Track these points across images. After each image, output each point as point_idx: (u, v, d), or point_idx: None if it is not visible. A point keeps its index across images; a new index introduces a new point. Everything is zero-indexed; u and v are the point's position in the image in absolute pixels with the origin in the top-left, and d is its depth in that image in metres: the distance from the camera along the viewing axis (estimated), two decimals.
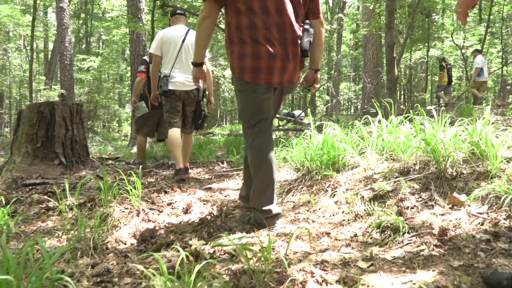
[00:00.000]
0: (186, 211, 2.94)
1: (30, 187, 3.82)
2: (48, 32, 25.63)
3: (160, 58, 4.01)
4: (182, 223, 2.69)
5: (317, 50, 2.49)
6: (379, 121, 3.31)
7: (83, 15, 22.20)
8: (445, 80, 12.85)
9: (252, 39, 2.26)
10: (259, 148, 2.34)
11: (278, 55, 2.26)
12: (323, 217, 2.46)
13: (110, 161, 5.20)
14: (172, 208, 3.07)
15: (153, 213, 2.92)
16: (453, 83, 14.48)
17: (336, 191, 2.72)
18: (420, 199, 2.30)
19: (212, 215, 2.76)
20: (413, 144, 2.80)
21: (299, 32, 2.34)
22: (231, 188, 3.71)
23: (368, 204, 2.31)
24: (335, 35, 24.58)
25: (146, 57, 5.00)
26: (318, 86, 2.67)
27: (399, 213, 2.17)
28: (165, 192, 3.43)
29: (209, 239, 2.29)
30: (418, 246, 1.83)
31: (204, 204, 3.11)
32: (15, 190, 3.78)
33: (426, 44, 17.46)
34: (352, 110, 29.56)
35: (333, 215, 2.43)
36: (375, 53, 12.28)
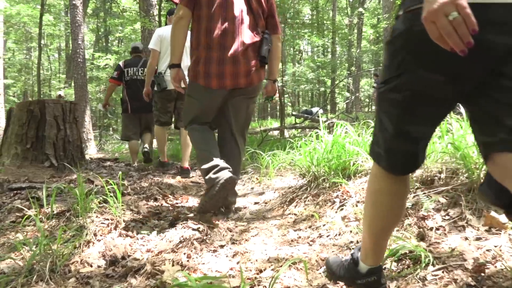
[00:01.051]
0: (172, 223, 2.54)
1: (16, 191, 3.50)
2: (69, 30, 25.72)
3: (158, 54, 4.06)
4: (163, 239, 2.30)
5: (274, 62, 2.71)
6: None
7: (102, 14, 22.14)
8: None
9: (207, 44, 2.44)
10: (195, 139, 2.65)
11: (228, 60, 2.44)
12: (327, 236, 2.02)
13: (108, 163, 4.87)
14: (158, 219, 2.68)
15: (134, 225, 2.54)
16: None
17: (345, 204, 2.28)
18: (447, 217, 1.83)
19: (199, 230, 2.36)
20: (437, 148, 2.32)
21: (255, 39, 2.51)
22: None
23: None
24: (355, 30, 23.89)
25: (120, 62, 5.07)
26: (277, 96, 3.01)
27: (421, 237, 1.71)
28: (155, 200, 3.05)
29: (188, 263, 1.89)
30: (445, 286, 1.38)
31: (194, 215, 2.71)
32: (0, 195, 3.47)
33: None
34: (373, 108, 28.80)
35: (339, 234, 1.99)
36: None
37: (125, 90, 4.91)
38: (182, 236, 2.24)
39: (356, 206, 2.20)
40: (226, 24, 2.43)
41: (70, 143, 4.24)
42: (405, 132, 1.12)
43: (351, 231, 1.96)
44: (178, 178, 4.09)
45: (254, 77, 2.54)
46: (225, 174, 2.40)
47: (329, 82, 23.67)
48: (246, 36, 2.47)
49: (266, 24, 2.62)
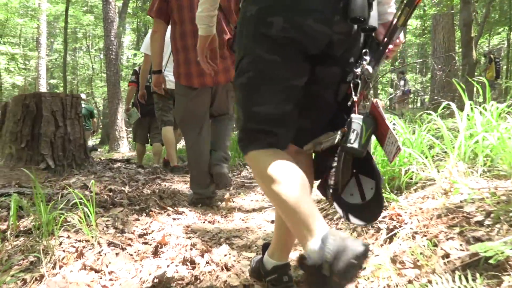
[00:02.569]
0: (155, 251, 1.88)
1: (1, 197, 2.99)
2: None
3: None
4: (135, 277, 1.64)
5: None
6: (469, 112, 2.04)
7: (140, 13, 22.08)
8: (492, 74, 11.01)
9: (183, 47, 2.55)
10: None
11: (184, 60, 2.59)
12: None
13: (118, 164, 4.31)
14: (144, 243, 2.02)
15: (109, 252, 1.89)
16: (500, 78, 12.44)
17: (395, 233, 1.53)
18: None
19: (187, 263, 1.68)
20: None
21: (228, 36, 2.50)
22: (245, 208, 2.62)
23: (460, 279, 1.10)
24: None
25: (137, 67, 5.19)
26: None
27: None
28: (147, 214, 2.40)
29: None
30: None
31: (189, 238, 2.03)
32: None
33: (507, 27, 15.12)
34: (419, 104, 27.22)
35: None
36: (446, 36, 10.47)
37: (137, 95, 4.73)
38: (160, 275, 1.57)
39: (413, 238, 1.44)
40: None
41: (71, 142, 3.69)
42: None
43: (406, 285, 1.21)
44: None
45: (231, 73, 2.58)
46: None
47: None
48: (219, 35, 2.39)
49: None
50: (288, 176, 1.04)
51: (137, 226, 2.14)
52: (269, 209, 2.44)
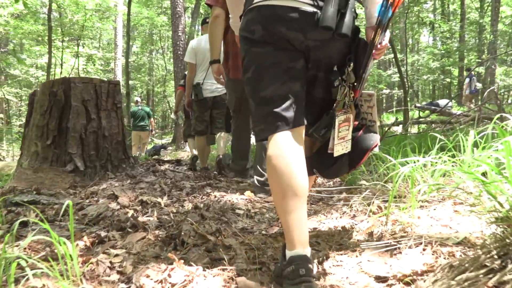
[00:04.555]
0: None
1: (9, 208, 2.33)
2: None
3: (195, 66, 3.97)
4: None
5: None
6: None
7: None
8: None
9: (233, 41, 2.64)
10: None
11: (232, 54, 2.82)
12: None
13: (166, 166, 3.54)
14: None
15: None
16: None
17: None
18: None
19: None
20: None
21: None
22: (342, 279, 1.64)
23: None
24: (489, 12, 19.95)
25: (186, 72, 5.25)
26: None
27: None
28: (175, 246, 1.53)
29: None
30: None
31: None
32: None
33: None
34: (510, 100, 24.11)
35: None
36: None
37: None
38: None
39: None
40: None
41: (106, 139, 2.98)
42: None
43: None
44: (248, 193, 2.56)
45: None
46: None
47: (456, 72, 20.26)
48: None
49: None
50: (286, 184, 1.18)
51: (148, 276, 1.28)
52: (368, 250, 1.45)
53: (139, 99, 10.54)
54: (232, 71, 2.70)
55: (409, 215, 1.66)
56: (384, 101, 22.83)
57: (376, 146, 1.42)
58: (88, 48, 16.87)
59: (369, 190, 2.20)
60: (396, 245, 1.40)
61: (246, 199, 2.46)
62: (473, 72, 15.35)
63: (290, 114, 1.25)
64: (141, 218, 1.98)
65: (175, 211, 2.08)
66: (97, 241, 1.69)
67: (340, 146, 1.38)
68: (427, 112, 9.82)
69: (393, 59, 21.05)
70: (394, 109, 20.60)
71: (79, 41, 15.34)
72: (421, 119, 8.54)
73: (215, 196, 2.49)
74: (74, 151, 2.80)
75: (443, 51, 20.57)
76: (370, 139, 1.44)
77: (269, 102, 1.26)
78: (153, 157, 6.60)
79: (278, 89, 1.25)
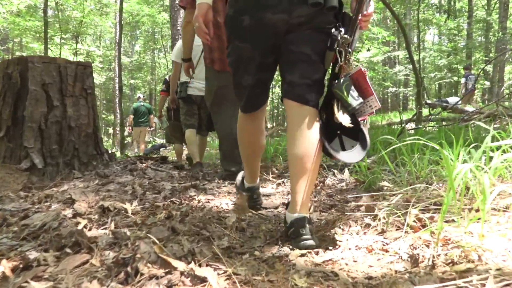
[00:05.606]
0: None
1: None
2: None
3: (180, 65, 3.89)
4: None
5: None
6: None
7: None
8: None
9: (218, 36, 2.64)
10: None
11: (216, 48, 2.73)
12: None
13: (148, 163, 3.01)
14: None
15: None
16: None
17: None
18: None
19: None
20: None
21: None
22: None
23: None
24: (496, 9, 19.33)
25: (167, 76, 5.29)
26: None
27: None
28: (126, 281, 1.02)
29: None
30: None
31: None
32: None
33: None
34: None
35: None
36: None
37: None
38: None
39: None
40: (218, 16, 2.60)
41: (72, 130, 2.46)
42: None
43: None
44: (238, 201, 2.03)
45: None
46: None
47: (463, 70, 19.65)
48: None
49: None
50: (249, 142, 1.69)
51: None
52: None
53: (141, 95, 10.50)
54: (219, 64, 2.68)
55: (468, 232, 1.12)
56: (389, 100, 22.25)
57: (373, 113, 1.41)
58: (87, 45, 16.38)
59: (396, 194, 1.66)
60: (461, 285, 0.86)
61: (235, 207, 1.93)
62: (471, 70, 14.79)
63: (257, 98, 1.58)
64: (92, 232, 1.46)
65: (139, 222, 1.55)
66: (21, 266, 1.18)
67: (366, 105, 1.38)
68: (438, 109, 9.29)
69: (399, 57, 20.45)
70: (401, 108, 20.08)
71: (78, 38, 14.86)
72: (431, 116, 8.00)
73: (199, 201, 1.96)
74: (31, 145, 2.28)
75: (450, 49, 20.02)
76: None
77: (244, 87, 1.55)
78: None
79: (250, 79, 1.51)
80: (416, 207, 1.39)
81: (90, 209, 1.78)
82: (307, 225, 1.31)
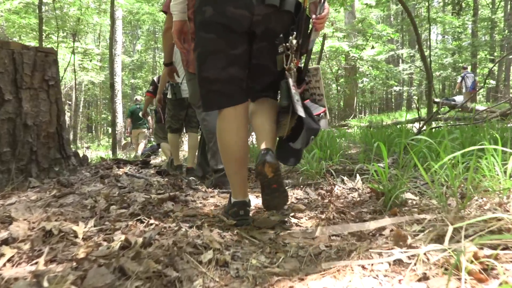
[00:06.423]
0: None
1: None
2: None
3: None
4: None
5: None
6: None
7: None
8: None
9: (193, 38, 2.60)
10: None
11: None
12: None
13: (127, 168, 2.58)
14: None
15: None
16: None
17: None
18: None
19: None
20: None
21: None
22: None
23: None
24: (501, 7, 18.89)
25: (155, 78, 5.21)
26: None
27: None
28: None
29: None
30: None
31: None
32: None
33: None
34: None
35: None
36: None
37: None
38: None
39: None
40: None
41: (29, 130, 2.03)
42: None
43: None
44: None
45: None
46: None
47: (468, 69, 19.18)
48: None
49: None
50: (231, 152, 1.53)
51: None
52: None
53: (138, 98, 10.48)
54: (192, 66, 2.67)
55: None
56: (393, 99, 21.80)
57: (324, 111, 1.54)
58: (85, 44, 15.98)
59: (431, 213, 1.23)
60: None
61: (223, 223, 1.51)
62: (468, 69, 14.35)
63: (229, 93, 1.50)
64: (15, 270, 1.05)
65: (82, 255, 1.12)
66: None
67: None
68: (445, 108, 8.89)
69: (403, 55, 19.97)
70: (405, 107, 19.64)
71: (75, 36, 14.45)
72: (438, 115, 7.57)
73: (175, 219, 1.54)
74: None
75: (454, 47, 19.58)
76: (316, 107, 1.56)
77: (211, 82, 1.49)
78: (150, 156, 6.49)
79: (218, 73, 1.47)
80: (469, 238, 0.96)
81: (31, 231, 1.37)
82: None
